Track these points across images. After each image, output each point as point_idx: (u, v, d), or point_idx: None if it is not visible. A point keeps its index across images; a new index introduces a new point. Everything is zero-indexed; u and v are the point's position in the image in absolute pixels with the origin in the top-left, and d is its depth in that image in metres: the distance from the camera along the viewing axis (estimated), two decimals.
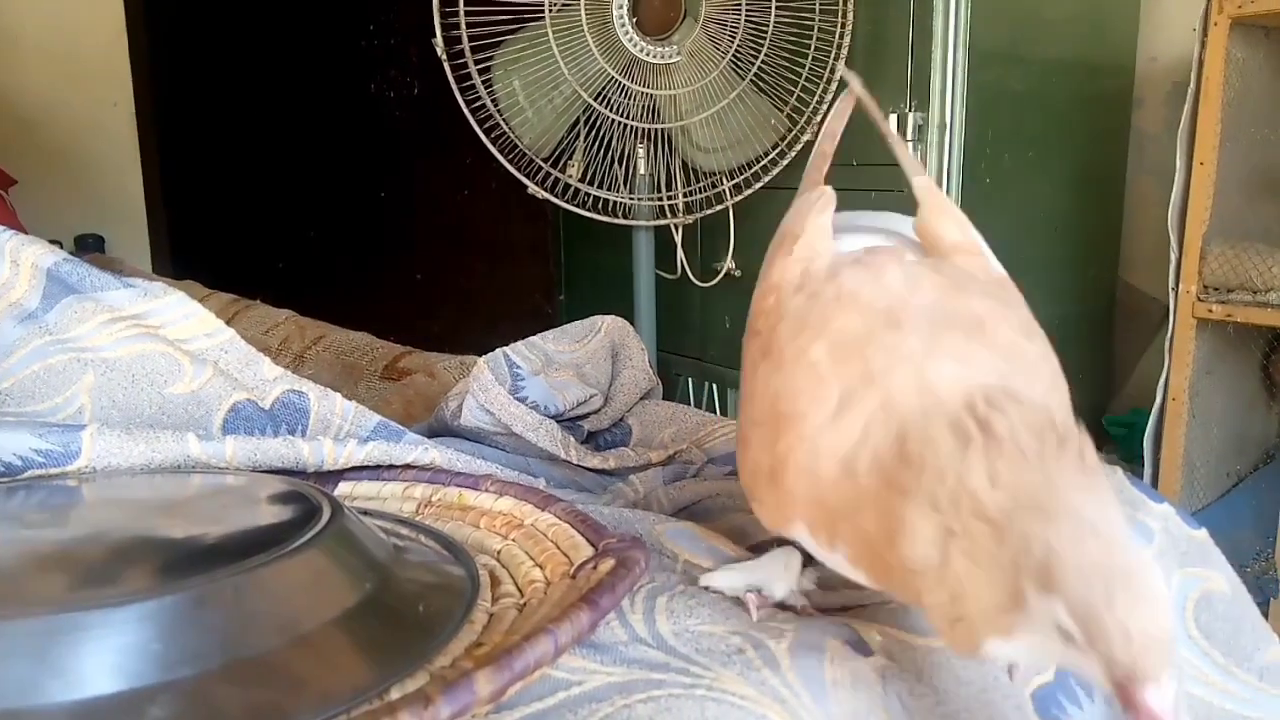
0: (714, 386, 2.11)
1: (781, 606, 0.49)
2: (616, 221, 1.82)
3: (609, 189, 1.80)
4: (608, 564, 0.45)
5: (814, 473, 0.41)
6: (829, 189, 0.52)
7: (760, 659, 0.43)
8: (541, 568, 0.50)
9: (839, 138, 0.57)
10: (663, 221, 1.84)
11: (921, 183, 0.51)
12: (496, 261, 2.46)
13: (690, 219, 1.84)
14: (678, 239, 1.92)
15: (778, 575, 0.50)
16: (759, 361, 0.46)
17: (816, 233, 0.49)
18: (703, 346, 2.07)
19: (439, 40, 1.66)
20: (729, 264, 1.91)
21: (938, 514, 0.36)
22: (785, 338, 0.44)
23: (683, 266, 1.97)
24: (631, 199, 1.81)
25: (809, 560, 0.52)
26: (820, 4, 1.66)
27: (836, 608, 0.50)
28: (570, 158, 1.80)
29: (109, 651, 0.35)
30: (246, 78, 2.65)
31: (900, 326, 0.41)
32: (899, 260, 0.46)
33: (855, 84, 0.57)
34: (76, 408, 0.58)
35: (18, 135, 1.90)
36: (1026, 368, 0.42)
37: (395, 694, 0.39)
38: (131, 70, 2.11)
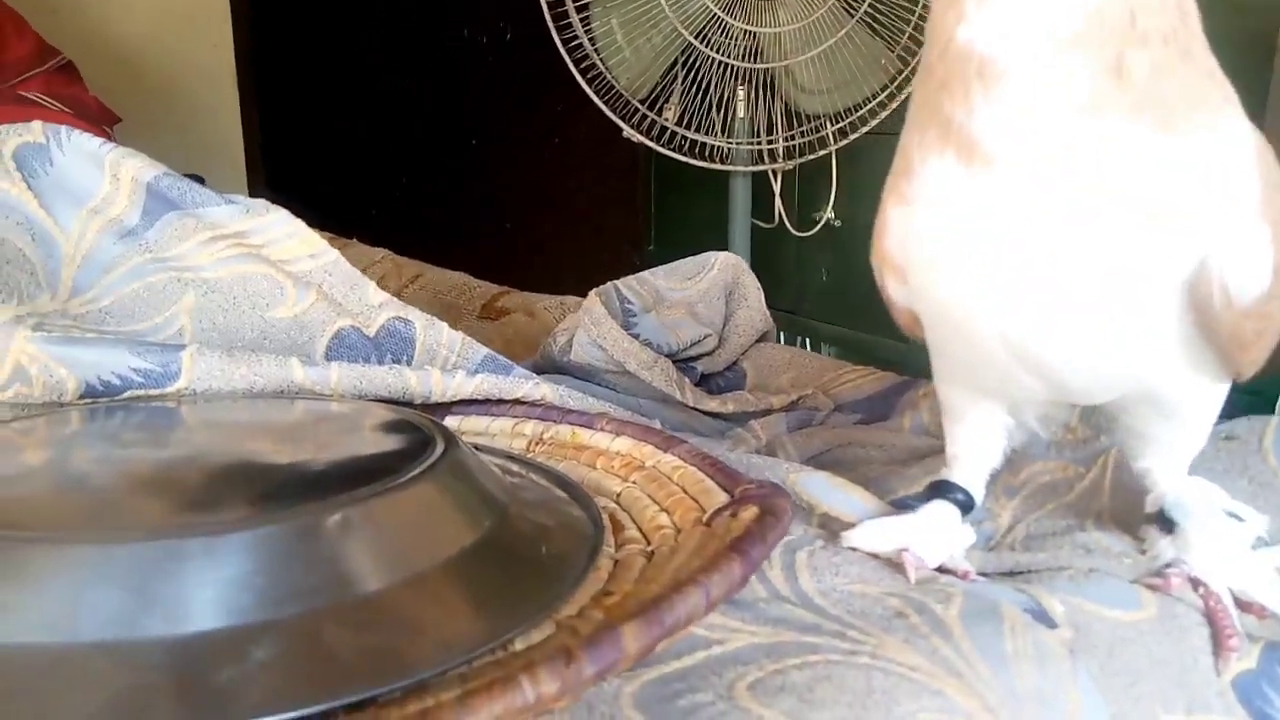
0: (807, 341, 2.03)
1: (940, 570, 0.44)
2: (713, 166, 1.75)
3: (706, 133, 1.73)
4: (750, 511, 0.40)
5: None
6: None
7: (927, 625, 0.38)
8: (669, 513, 0.45)
9: None
10: (761, 167, 1.77)
11: None
12: (585, 210, 2.42)
13: (790, 164, 1.76)
14: (776, 186, 1.84)
15: (932, 535, 0.45)
16: None
17: None
18: (797, 300, 1.99)
19: None
20: (829, 213, 1.83)
21: None
22: None
23: (780, 215, 1.89)
24: (729, 143, 1.73)
25: (965, 512, 0.47)
26: None
27: (1004, 572, 0.44)
28: (666, 101, 1.73)
29: (210, 584, 0.31)
30: (343, 22, 2.64)
31: None
32: None
33: None
34: (176, 329, 0.55)
35: (121, 75, 1.92)
36: None
37: (519, 645, 0.35)
38: (231, 12, 2.11)
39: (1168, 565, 0.43)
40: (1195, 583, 0.42)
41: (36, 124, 0.56)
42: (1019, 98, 0.35)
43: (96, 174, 0.57)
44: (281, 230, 0.57)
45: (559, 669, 0.27)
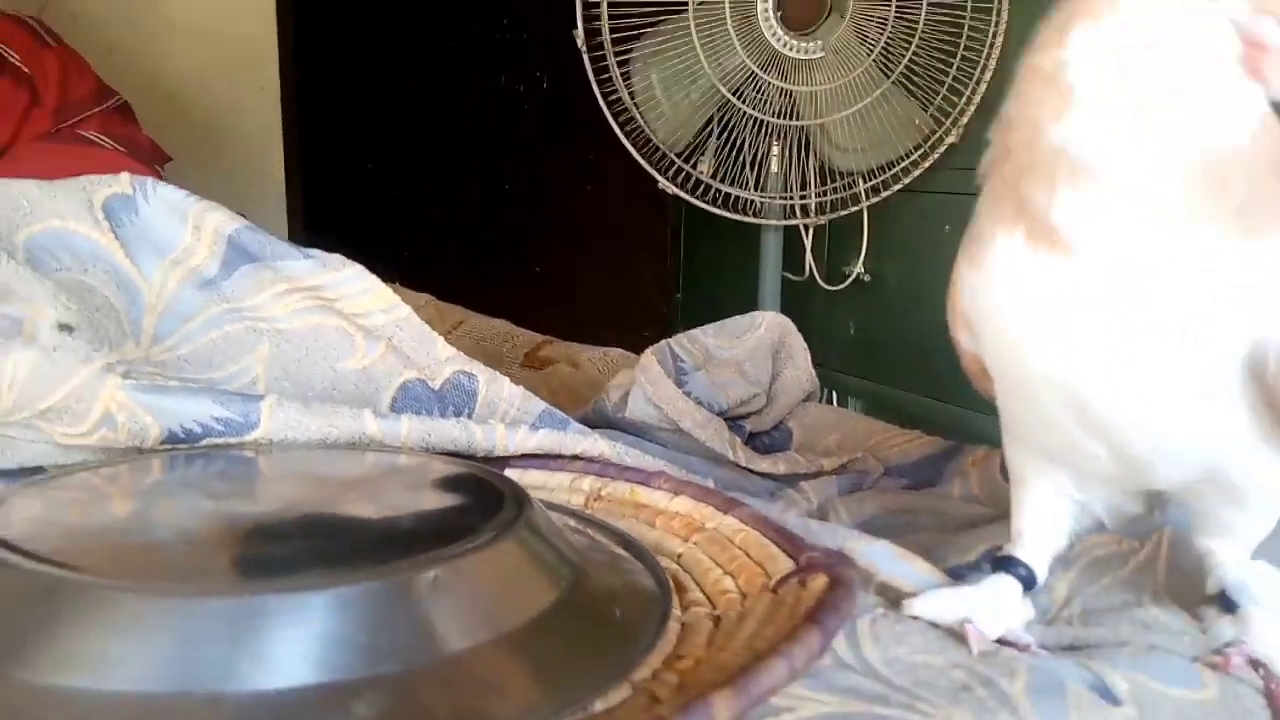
0: (834, 394, 2.04)
1: (1000, 642, 0.44)
2: (746, 219, 1.77)
3: (740, 188, 1.75)
4: (819, 580, 0.41)
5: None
6: None
7: (994, 699, 0.39)
8: (733, 577, 0.46)
9: None
10: (793, 221, 1.79)
11: None
12: (614, 257, 2.44)
13: (823, 220, 1.78)
14: (807, 241, 1.86)
15: (994, 606, 0.45)
16: None
17: None
18: (825, 353, 2.00)
19: (580, 32, 1.65)
20: (859, 268, 1.84)
21: None
22: None
23: (810, 269, 1.90)
24: (763, 197, 1.76)
25: (1027, 589, 0.47)
26: (973, 0, 1.58)
27: (1064, 646, 0.45)
28: (701, 155, 1.77)
29: (310, 639, 0.33)
30: (384, 68, 2.70)
31: None
32: None
33: None
34: (251, 378, 0.57)
35: (172, 115, 1.97)
36: None
37: (598, 706, 0.35)
38: (279, 57, 2.16)
39: (1227, 644, 0.43)
40: (1256, 664, 0.43)
41: (125, 175, 0.59)
42: (1109, 199, 0.37)
43: (179, 225, 0.59)
44: (356, 286, 0.59)
45: None
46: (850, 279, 1.86)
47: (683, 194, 1.75)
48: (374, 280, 0.60)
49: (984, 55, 1.60)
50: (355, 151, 2.68)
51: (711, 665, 0.37)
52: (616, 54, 1.67)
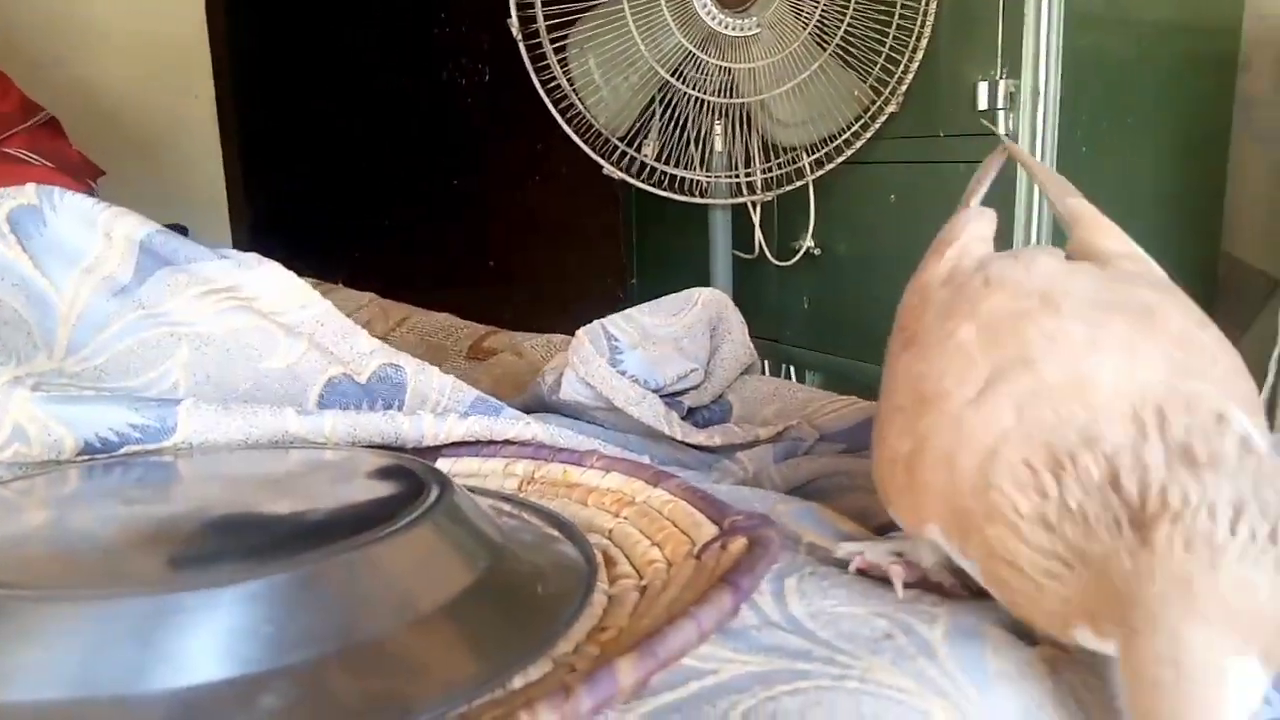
0: (791, 369, 2.05)
1: (925, 585, 0.45)
2: (693, 200, 1.78)
3: (685, 167, 1.75)
4: (739, 543, 0.41)
5: (953, 461, 0.37)
6: (990, 210, 0.50)
7: (913, 646, 0.39)
8: (660, 547, 0.46)
9: (984, 192, 0.55)
10: (740, 199, 1.79)
11: (1075, 203, 0.49)
12: (568, 246, 2.44)
13: (769, 196, 1.79)
14: (755, 218, 1.87)
15: (915, 550, 0.46)
16: (900, 353, 0.43)
17: (972, 239, 0.47)
18: (780, 328, 2.02)
19: (514, 20, 1.63)
20: (808, 242, 1.85)
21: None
22: (931, 325, 0.41)
23: (760, 246, 1.91)
24: (708, 177, 1.76)
25: None
26: None
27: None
28: (645, 137, 1.76)
29: (217, 634, 0.32)
30: (323, 69, 2.67)
31: (1059, 311, 0.38)
32: (1053, 254, 0.44)
33: (1011, 146, 0.57)
34: (171, 383, 0.56)
35: (103, 127, 1.94)
36: (1201, 356, 0.37)
37: (518, 682, 0.36)
38: (212, 62, 2.13)
39: None
40: None
41: (30, 186, 0.58)
42: None
43: (89, 234, 0.58)
44: (272, 283, 0.58)
45: (558, 704, 0.28)
46: (800, 253, 1.87)
47: (628, 178, 1.75)
48: (290, 276, 0.59)
49: (918, 23, 1.61)
50: (298, 154, 2.65)
51: (631, 634, 0.38)
52: (553, 41, 1.66)
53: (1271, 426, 1.67)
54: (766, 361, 2.06)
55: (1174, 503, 0.30)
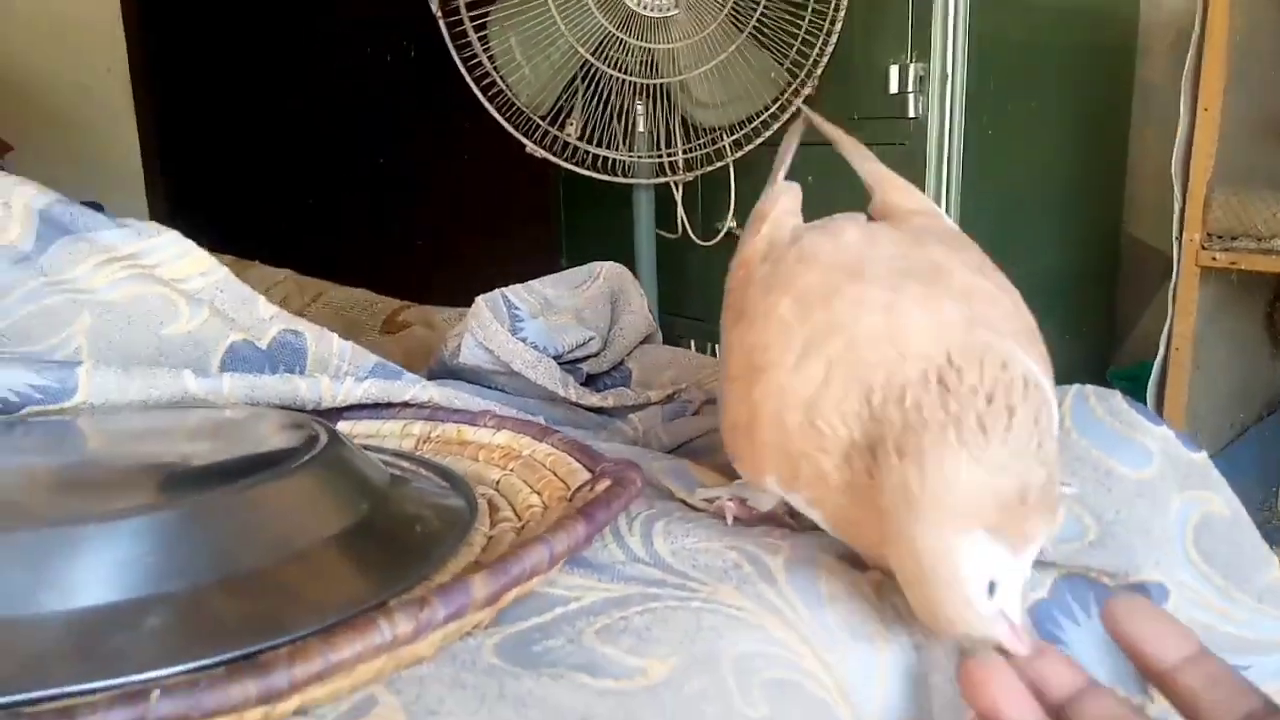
0: (717, 348, 2.10)
1: (773, 521, 0.50)
2: (616, 180, 1.81)
3: (609, 147, 1.78)
4: (604, 484, 0.45)
5: (781, 420, 0.41)
6: (795, 184, 0.55)
7: (756, 573, 0.44)
8: (539, 494, 0.50)
9: (789, 163, 0.60)
10: (663, 179, 1.83)
11: (872, 166, 0.54)
12: (497, 225, 2.45)
13: (690, 176, 1.83)
14: (678, 197, 1.91)
15: (764, 490, 0.51)
16: (732, 327, 0.48)
17: (782, 213, 0.52)
18: (706, 307, 2.06)
19: None
20: (730, 222, 1.90)
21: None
22: (756, 299, 0.46)
23: (684, 225, 1.95)
24: (631, 157, 1.79)
25: None
26: None
27: None
28: (569, 116, 1.79)
29: (104, 564, 0.35)
30: (243, 44, 2.63)
31: (861, 277, 0.43)
32: (857, 222, 0.49)
33: (809, 114, 0.62)
34: (73, 349, 0.58)
35: (13, 102, 1.89)
36: (985, 303, 0.43)
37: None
38: (125, 35, 2.09)
39: None
40: None
41: None
42: None
43: None
44: (172, 251, 0.60)
45: (413, 612, 0.32)
46: (722, 233, 1.91)
47: (550, 156, 1.78)
48: (190, 244, 0.61)
49: (832, 7, 1.66)
50: (219, 132, 2.61)
51: (497, 557, 0.41)
52: (473, 19, 1.68)
53: (1160, 398, 1.76)
54: (692, 340, 2.11)
55: (915, 423, 0.36)
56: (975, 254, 0.46)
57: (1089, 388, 0.58)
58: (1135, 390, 1.78)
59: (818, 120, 0.60)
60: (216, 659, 0.32)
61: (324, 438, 0.46)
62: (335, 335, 0.63)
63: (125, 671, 0.32)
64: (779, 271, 0.46)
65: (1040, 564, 0.48)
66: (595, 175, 1.79)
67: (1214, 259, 1.54)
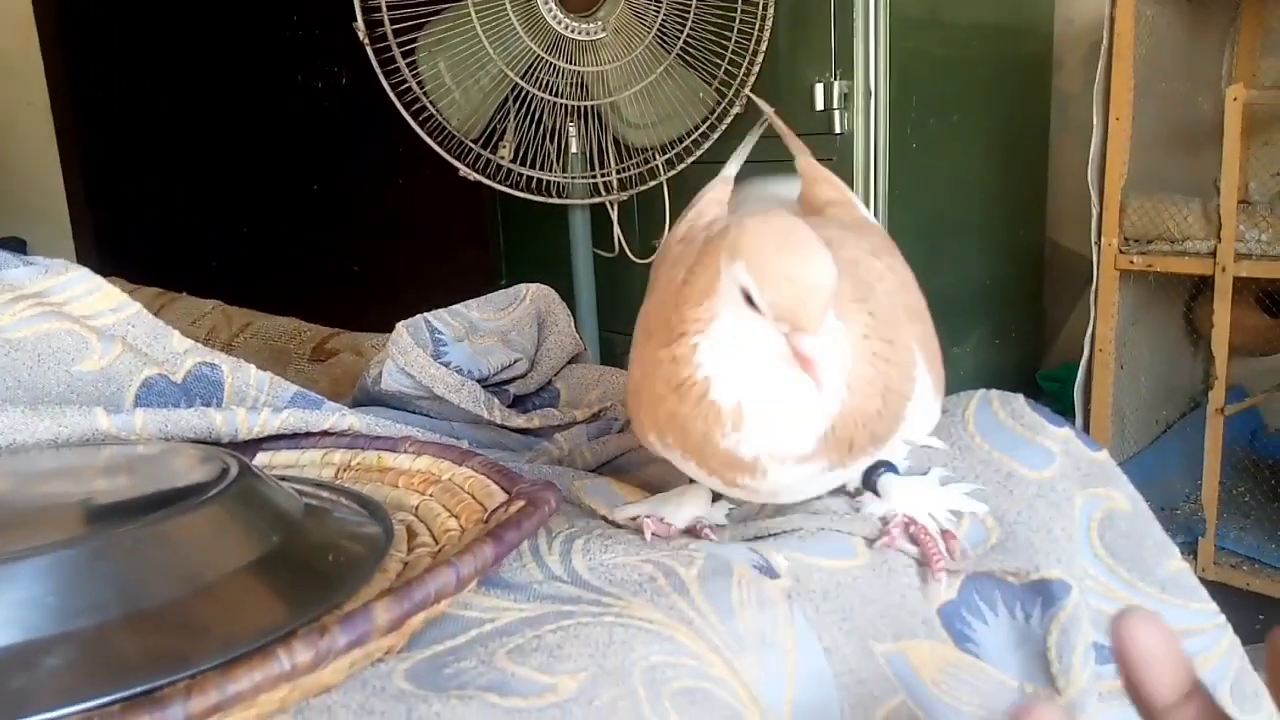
0: None
1: (688, 533, 0.51)
2: (551, 201, 1.82)
3: (543, 168, 1.79)
4: (518, 505, 0.46)
5: (654, 375, 0.44)
6: (729, 175, 0.60)
7: (670, 585, 0.44)
8: (457, 517, 0.50)
9: (744, 158, 0.64)
10: (597, 199, 1.85)
11: (803, 161, 0.59)
12: (435, 249, 2.44)
13: (624, 196, 1.85)
14: (614, 216, 1.92)
15: (678, 504, 0.52)
16: (646, 301, 0.51)
17: (708, 203, 0.56)
18: None
19: (360, 24, 1.64)
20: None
21: None
22: (662, 274, 0.49)
23: (620, 244, 1.97)
24: (563, 178, 1.81)
25: (717, 497, 0.54)
26: None
27: (749, 539, 0.51)
28: (502, 138, 1.79)
29: (4, 605, 0.35)
30: (169, 72, 2.59)
31: None
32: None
33: (771, 115, 0.67)
34: None
35: None
36: (870, 275, 0.46)
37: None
38: (45, 68, 2.05)
39: (882, 518, 0.51)
40: (908, 523, 0.50)
41: None
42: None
43: None
44: (82, 287, 0.60)
45: (313, 640, 0.32)
46: (658, 251, 1.93)
47: (484, 179, 1.78)
48: (99, 280, 0.60)
49: (757, 27, 1.69)
50: (146, 163, 2.56)
51: (403, 581, 0.41)
52: (400, 44, 1.68)
53: (1086, 398, 1.81)
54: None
55: None
56: (877, 239, 0.50)
57: (994, 392, 0.60)
58: (1064, 390, 1.84)
59: (775, 119, 0.65)
60: (114, 697, 0.32)
61: (234, 470, 0.46)
62: (253, 366, 0.63)
63: (22, 714, 0.31)
64: (688, 250, 0.48)
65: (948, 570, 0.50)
66: (530, 197, 1.80)
67: (1131, 262, 1.59)
